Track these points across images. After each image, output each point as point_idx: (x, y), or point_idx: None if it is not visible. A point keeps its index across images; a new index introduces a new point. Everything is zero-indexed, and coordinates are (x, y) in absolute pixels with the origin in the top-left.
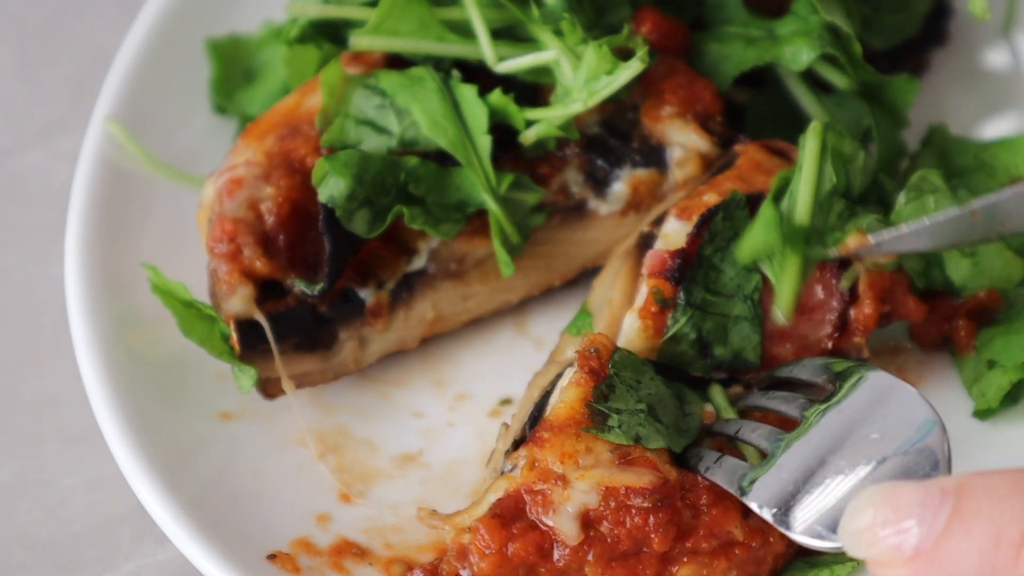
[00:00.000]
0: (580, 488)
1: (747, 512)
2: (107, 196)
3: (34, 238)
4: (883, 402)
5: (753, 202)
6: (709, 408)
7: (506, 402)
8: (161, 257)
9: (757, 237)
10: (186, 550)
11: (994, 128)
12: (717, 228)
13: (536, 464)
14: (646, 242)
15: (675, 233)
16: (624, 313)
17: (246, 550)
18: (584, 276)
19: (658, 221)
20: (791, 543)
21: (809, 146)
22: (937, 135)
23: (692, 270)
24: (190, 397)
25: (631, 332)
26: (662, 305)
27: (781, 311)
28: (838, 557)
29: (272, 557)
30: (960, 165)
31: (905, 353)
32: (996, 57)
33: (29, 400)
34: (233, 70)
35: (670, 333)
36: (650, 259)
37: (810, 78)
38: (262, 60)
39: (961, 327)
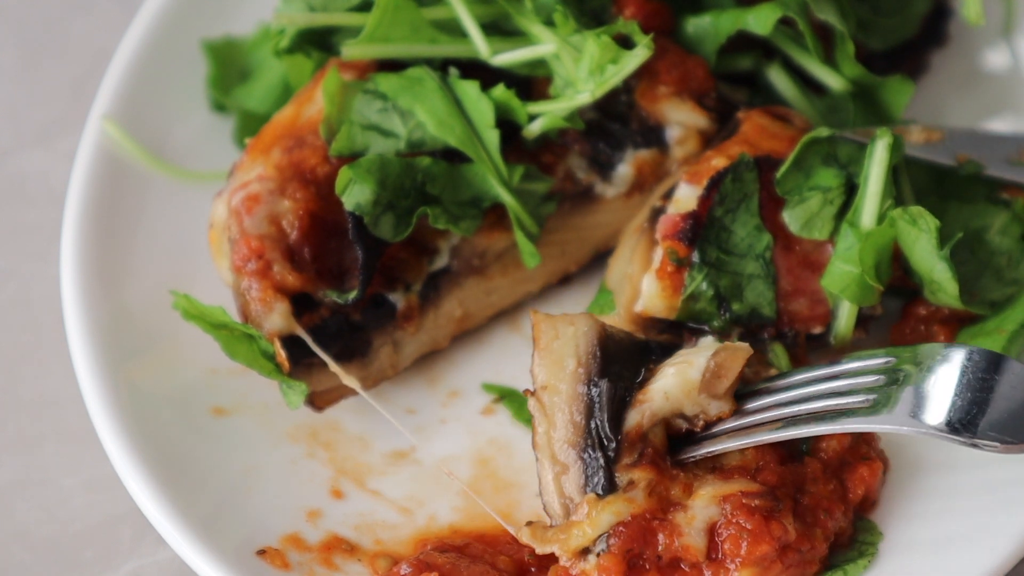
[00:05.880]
0: (699, 506)
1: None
2: (103, 193)
3: (33, 238)
4: None
5: (761, 165)
6: None
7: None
8: (158, 254)
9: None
10: (175, 545)
11: (993, 130)
12: (727, 190)
13: (656, 491)
14: (658, 215)
15: (685, 197)
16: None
17: (236, 546)
18: (580, 271)
19: (668, 195)
20: (831, 546)
21: (877, 157)
22: None
23: (704, 230)
24: (184, 392)
25: (650, 292)
26: (678, 264)
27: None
28: (849, 556)
29: (261, 553)
30: None
31: None
32: (996, 58)
33: (29, 400)
34: (229, 69)
35: (688, 291)
36: (662, 223)
37: (803, 79)
38: (257, 59)
39: (938, 333)
